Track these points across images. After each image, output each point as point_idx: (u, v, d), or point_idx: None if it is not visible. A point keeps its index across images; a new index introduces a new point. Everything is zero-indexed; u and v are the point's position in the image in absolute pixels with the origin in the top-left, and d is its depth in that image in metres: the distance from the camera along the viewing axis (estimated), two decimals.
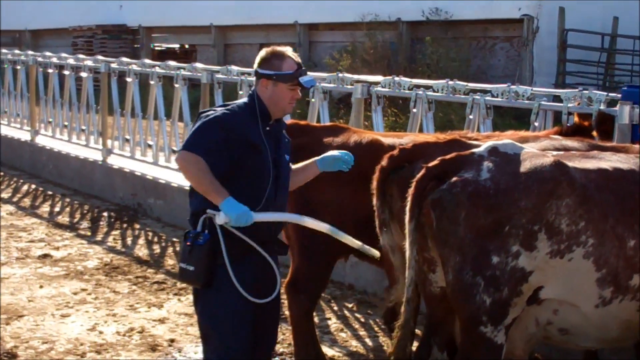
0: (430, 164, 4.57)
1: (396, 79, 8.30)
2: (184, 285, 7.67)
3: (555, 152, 4.77)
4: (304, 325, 6.26)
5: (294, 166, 4.91)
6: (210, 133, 4.47)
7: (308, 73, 4.77)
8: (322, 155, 4.94)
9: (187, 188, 4.73)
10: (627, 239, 4.42)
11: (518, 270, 4.35)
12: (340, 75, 8.96)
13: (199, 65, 11.27)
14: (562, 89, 8.25)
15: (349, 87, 8.76)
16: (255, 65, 4.69)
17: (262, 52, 4.70)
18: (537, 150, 4.74)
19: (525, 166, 4.44)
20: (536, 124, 6.96)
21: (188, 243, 4.54)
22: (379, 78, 8.72)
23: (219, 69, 10.86)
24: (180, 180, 10.26)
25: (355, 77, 8.96)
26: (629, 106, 6.08)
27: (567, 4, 19.00)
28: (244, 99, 4.75)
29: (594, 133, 6.35)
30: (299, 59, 4.71)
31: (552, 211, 4.34)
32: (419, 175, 4.54)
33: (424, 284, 4.80)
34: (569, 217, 4.35)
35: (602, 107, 6.38)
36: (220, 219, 4.41)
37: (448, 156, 4.61)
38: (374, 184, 5.17)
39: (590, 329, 4.59)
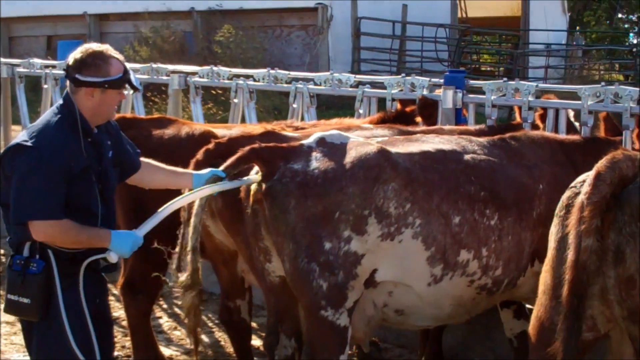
0: (262, 146, 4.58)
1: (215, 68, 8.17)
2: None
3: (379, 139, 4.89)
4: (142, 326, 6.09)
5: (157, 163, 4.56)
6: (41, 182, 3.89)
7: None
8: (200, 173, 4.55)
9: None
10: (452, 216, 4.59)
11: (351, 254, 4.45)
12: (154, 66, 8.70)
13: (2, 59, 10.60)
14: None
15: (165, 77, 8.53)
16: (73, 71, 4.03)
17: (78, 55, 4.04)
18: (361, 139, 4.84)
19: (351, 155, 4.55)
20: (361, 111, 7.06)
21: (18, 272, 4.00)
22: (196, 68, 8.55)
23: (19, 62, 10.25)
24: None
25: (171, 67, 8.72)
26: (452, 91, 6.30)
27: None
28: (54, 111, 4.12)
29: (418, 118, 6.55)
30: (119, 55, 4.15)
31: (379, 196, 4.46)
32: (245, 150, 4.55)
33: (262, 274, 4.82)
34: (396, 201, 4.48)
35: (425, 92, 6.57)
36: (114, 257, 4.08)
37: (282, 145, 4.68)
38: None
39: (425, 307, 4.75)
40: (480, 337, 6.10)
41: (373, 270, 4.53)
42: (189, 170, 4.65)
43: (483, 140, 5.02)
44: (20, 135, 4.14)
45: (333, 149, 4.59)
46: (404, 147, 4.74)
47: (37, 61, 9.95)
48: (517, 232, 4.73)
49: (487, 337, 6.06)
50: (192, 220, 4.65)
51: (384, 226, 4.46)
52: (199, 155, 5.18)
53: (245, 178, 4.62)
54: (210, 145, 5.25)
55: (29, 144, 3.96)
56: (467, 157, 4.78)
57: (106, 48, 4.11)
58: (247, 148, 4.58)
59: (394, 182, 4.48)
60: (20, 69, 9.98)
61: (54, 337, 4.06)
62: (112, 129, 4.32)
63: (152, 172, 4.53)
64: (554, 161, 4.95)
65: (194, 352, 5.43)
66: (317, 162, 4.51)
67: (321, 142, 4.63)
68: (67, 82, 4.12)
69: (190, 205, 4.70)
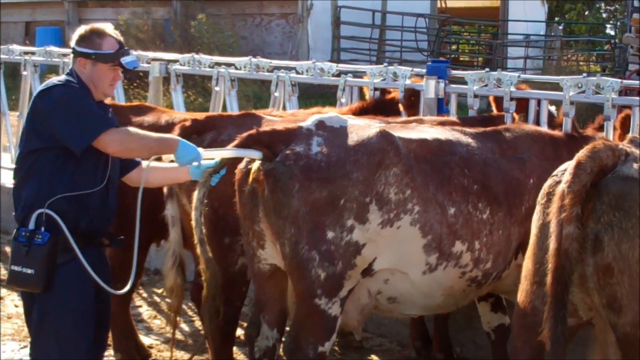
0: (260, 130, 4.53)
1: (196, 56, 8.12)
2: None
3: (378, 123, 4.86)
4: (121, 315, 6.04)
5: (154, 163, 4.60)
6: (88, 105, 4.25)
7: (131, 53, 4.53)
8: (182, 154, 4.49)
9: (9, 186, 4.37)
10: (447, 207, 4.59)
11: (352, 244, 4.41)
12: (135, 53, 8.61)
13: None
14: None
15: (146, 65, 8.46)
16: (73, 43, 4.42)
17: (81, 29, 4.43)
18: (361, 122, 4.81)
19: (353, 139, 4.50)
20: (343, 100, 7.05)
21: (23, 243, 4.14)
22: (177, 56, 8.49)
23: None
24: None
25: (152, 54, 8.65)
26: (435, 80, 6.30)
27: None
28: (64, 76, 4.42)
29: (400, 108, 6.55)
30: (120, 38, 4.47)
31: (381, 182, 4.42)
32: (242, 137, 4.50)
33: (252, 261, 4.76)
34: (396, 186, 4.45)
35: (408, 82, 6.56)
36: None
37: (278, 128, 4.60)
38: None
39: (417, 296, 4.74)
40: (460, 327, 6.13)
41: (372, 259, 4.51)
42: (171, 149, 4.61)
43: (477, 131, 5.01)
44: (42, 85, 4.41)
45: (333, 132, 4.52)
46: (402, 133, 4.70)
47: (16, 47, 9.84)
48: (507, 227, 4.75)
49: (468, 327, 6.08)
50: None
51: (384, 213, 4.42)
52: (176, 130, 5.19)
53: (244, 150, 4.57)
54: (187, 122, 5.26)
55: (59, 82, 4.31)
56: (461, 148, 4.76)
57: (107, 26, 4.44)
58: (244, 135, 4.51)
59: (396, 167, 4.45)
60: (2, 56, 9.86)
61: (54, 309, 4.23)
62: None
63: (150, 170, 4.58)
64: (544, 156, 4.96)
65: (172, 333, 5.48)
66: (319, 145, 4.43)
67: (321, 125, 4.55)
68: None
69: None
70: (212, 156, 4.45)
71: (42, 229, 4.17)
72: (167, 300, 5.40)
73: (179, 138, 4.41)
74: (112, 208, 4.53)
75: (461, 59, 24.51)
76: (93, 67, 4.36)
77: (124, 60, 4.40)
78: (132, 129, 4.35)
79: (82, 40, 4.38)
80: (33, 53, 9.67)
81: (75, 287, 4.25)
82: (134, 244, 5.85)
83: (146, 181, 4.58)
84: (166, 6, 21.09)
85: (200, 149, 4.42)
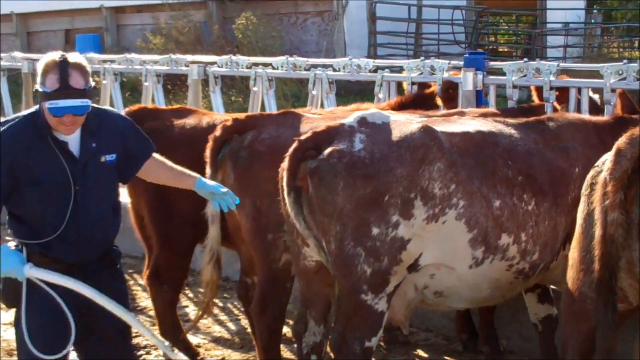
0: (303, 137, 4.55)
1: (233, 57, 8.18)
2: None
3: (419, 118, 4.86)
4: (169, 315, 6.14)
5: (166, 161, 4.52)
6: None
7: (81, 98, 3.94)
8: (205, 184, 4.49)
9: None
10: (492, 200, 4.58)
11: (398, 240, 4.42)
12: (174, 56, 8.72)
13: (18, 54, 10.67)
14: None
15: (184, 68, 8.55)
16: None
17: (46, 55, 4.02)
18: (402, 118, 4.81)
19: (395, 134, 4.50)
20: (380, 95, 7.05)
21: None
22: (214, 58, 8.56)
23: (40, 56, 10.27)
24: None
25: (190, 57, 8.74)
26: (472, 72, 6.28)
27: None
28: (29, 111, 4.15)
29: (439, 101, 6.53)
30: (73, 78, 3.90)
31: (425, 177, 4.42)
32: (292, 148, 4.51)
33: (297, 258, 4.80)
34: (441, 181, 4.45)
35: (445, 74, 6.55)
36: None
37: (319, 128, 4.62)
38: (207, 152, 5.25)
39: (464, 289, 4.73)
40: (506, 320, 6.10)
41: (418, 255, 4.52)
42: (196, 175, 4.55)
43: (519, 122, 4.98)
44: None
45: (376, 128, 4.54)
46: (444, 127, 4.70)
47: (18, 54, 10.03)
48: (553, 217, 4.73)
49: (514, 319, 6.05)
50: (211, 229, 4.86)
51: (429, 208, 4.43)
52: (217, 131, 5.25)
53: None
54: (228, 122, 5.31)
55: (5, 122, 4.07)
56: (504, 140, 4.75)
57: (63, 58, 3.93)
58: (291, 150, 4.51)
59: (439, 162, 4.45)
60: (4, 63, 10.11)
61: (15, 323, 4.18)
62: (109, 130, 4.22)
63: (158, 169, 4.50)
64: (588, 143, 4.92)
65: (194, 322, 5.72)
66: (362, 142, 4.45)
67: (363, 122, 4.57)
68: None
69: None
70: (40, 277, 4.10)
71: (14, 247, 4.09)
72: (202, 290, 5.48)
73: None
74: (98, 236, 4.22)
75: (500, 50, 24.32)
76: (42, 102, 3.99)
77: (50, 104, 3.89)
78: None
79: (39, 67, 3.99)
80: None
81: (41, 307, 4.07)
82: (181, 247, 5.97)
83: (154, 177, 4.54)
84: (202, 9, 21.21)
85: (27, 269, 4.06)
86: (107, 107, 4.66)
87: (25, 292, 4.06)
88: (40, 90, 3.95)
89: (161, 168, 4.51)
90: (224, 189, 4.47)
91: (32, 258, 4.08)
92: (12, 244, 4.11)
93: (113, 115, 4.37)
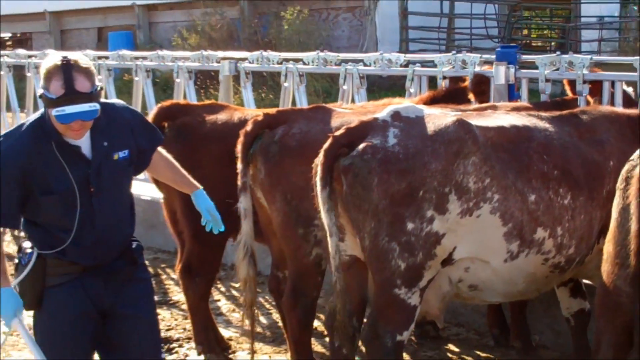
0: (337, 133, 4.55)
1: (264, 53, 8.20)
2: None
3: (453, 112, 4.84)
4: (201, 309, 6.18)
5: (172, 161, 4.46)
6: None
7: (89, 102, 3.79)
8: (205, 198, 4.52)
9: None
10: (527, 193, 4.56)
11: (432, 234, 4.42)
12: (205, 53, 8.76)
13: (51, 52, 10.76)
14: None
15: (215, 64, 8.58)
16: None
17: (47, 57, 3.87)
18: (436, 112, 4.80)
19: (430, 128, 4.49)
20: (411, 90, 7.03)
21: (16, 260, 4.05)
22: (245, 54, 8.59)
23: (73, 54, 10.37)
24: None
25: (221, 54, 8.77)
26: (504, 66, 6.24)
27: None
28: (33, 117, 4.00)
29: (471, 96, 6.50)
30: (78, 81, 3.74)
31: (460, 171, 4.41)
32: (327, 145, 4.51)
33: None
34: (475, 175, 4.44)
35: (477, 68, 6.51)
36: None
37: (352, 124, 4.62)
38: (239, 147, 5.26)
39: (498, 283, 4.73)
40: (538, 315, 6.07)
41: (452, 249, 4.51)
42: (198, 186, 4.53)
43: (553, 115, 4.95)
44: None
45: (409, 122, 4.52)
46: (478, 121, 4.68)
47: (90, 52, 10.09)
48: (588, 211, 4.71)
49: (546, 314, 6.02)
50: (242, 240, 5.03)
51: (464, 202, 4.43)
52: (248, 125, 5.27)
53: None
54: (259, 117, 5.32)
55: (7, 134, 3.96)
56: (539, 134, 4.72)
57: (60, 64, 3.74)
58: (325, 145, 4.50)
59: (474, 156, 4.44)
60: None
61: (37, 331, 4.12)
62: (119, 126, 4.09)
63: (161, 163, 4.43)
64: (622, 137, 4.88)
65: (250, 327, 5.51)
66: (396, 137, 4.44)
67: (396, 116, 4.56)
68: None
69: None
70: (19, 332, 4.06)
71: (29, 249, 4.04)
72: (242, 293, 5.44)
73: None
74: (115, 238, 4.13)
75: (534, 44, 24.13)
76: (47, 107, 3.85)
77: (57, 111, 3.74)
78: None
79: (41, 71, 3.83)
80: (106, 57, 9.90)
81: (58, 311, 4.01)
82: (213, 241, 5.98)
83: (158, 173, 4.50)
84: (235, 6, 21.26)
85: (15, 323, 4.00)
86: (115, 100, 4.54)
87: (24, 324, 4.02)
88: (44, 95, 3.78)
89: (164, 164, 4.42)
90: (213, 216, 4.47)
91: (48, 262, 3.99)
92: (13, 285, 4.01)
93: (121, 110, 4.19)
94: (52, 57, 3.80)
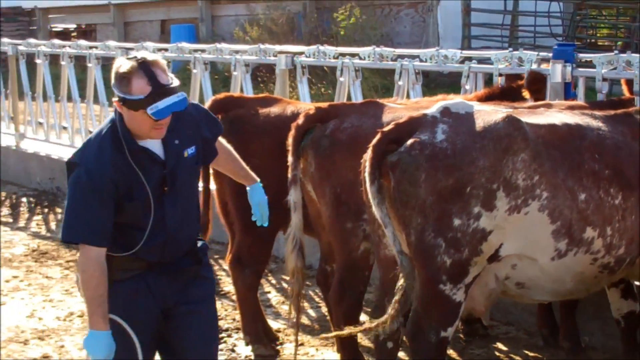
0: (385, 129, 4.56)
1: (321, 48, 8.23)
2: None
3: (505, 109, 4.81)
4: (250, 300, 6.24)
5: (231, 149, 4.49)
6: (84, 204, 3.83)
7: (175, 93, 3.79)
8: (261, 192, 4.58)
9: None
10: (577, 192, 4.52)
11: (479, 231, 4.40)
12: (262, 46, 8.83)
13: (112, 43, 10.97)
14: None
15: (272, 58, 8.64)
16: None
17: (116, 63, 3.82)
18: (487, 108, 4.77)
19: (479, 124, 4.47)
20: (467, 87, 6.99)
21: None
22: (302, 48, 8.63)
23: (133, 45, 10.56)
24: None
25: (278, 47, 8.83)
26: (561, 64, 6.16)
27: None
28: (107, 124, 3.95)
29: (526, 93, 6.43)
30: (160, 76, 3.75)
31: (508, 168, 4.39)
32: (375, 140, 4.52)
33: (378, 247, 4.85)
34: (524, 172, 4.42)
35: (534, 66, 6.45)
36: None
37: (401, 120, 4.62)
38: (290, 140, 5.31)
39: (546, 281, 4.69)
40: (589, 316, 6.00)
41: (499, 245, 4.49)
42: (256, 179, 4.58)
43: (607, 114, 4.89)
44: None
45: (459, 118, 4.50)
46: (529, 118, 4.65)
47: (150, 44, 10.23)
48: (639, 211, 4.63)
49: (597, 316, 5.94)
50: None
51: (512, 199, 4.40)
52: (300, 119, 5.31)
53: None
54: (311, 111, 5.36)
55: (76, 160, 3.94)
56: (591, 132, 4.67)
57: (137, 64, 3.74)
58: (374, 141, 4.49)
59: (523, 152, 4.41)
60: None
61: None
62: (186, 122, 4.06)
63: (225, 159, 4.48)
64: None
65: (296, 318, 5.56)
66: (444, 133, 4.43)
67: (445, 112, 4.54)
68: None
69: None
70: None
71: None
72: (286, 278, 5.51)
73: (102, 323, 3.99)
74: (184, 235, 4.14)
75: (599, 43, 23.72)
76: (127, 111, 3.81)
77: (152, 108, 3.74)
78: (95, 267, 3.89)
79: (115, 78, 3.79)
80: (166, 50, 10.03)
81: (124, 306, 4.03)
82: (263, 233, 6.03)
83: (219, 163, 4.47)
84: (297, 0, 21.32)
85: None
86: None
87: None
88: (127, 100, 3.76)
89: (226, 155, 4.46)
90: (261, 210, 4.55)
91: (114, 259, 4.00)
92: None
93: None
94: (122, 62, 3.78)
